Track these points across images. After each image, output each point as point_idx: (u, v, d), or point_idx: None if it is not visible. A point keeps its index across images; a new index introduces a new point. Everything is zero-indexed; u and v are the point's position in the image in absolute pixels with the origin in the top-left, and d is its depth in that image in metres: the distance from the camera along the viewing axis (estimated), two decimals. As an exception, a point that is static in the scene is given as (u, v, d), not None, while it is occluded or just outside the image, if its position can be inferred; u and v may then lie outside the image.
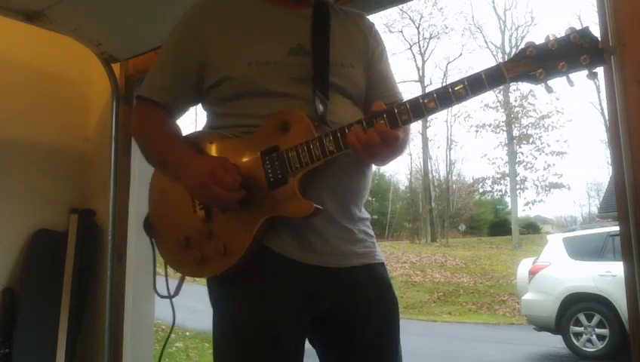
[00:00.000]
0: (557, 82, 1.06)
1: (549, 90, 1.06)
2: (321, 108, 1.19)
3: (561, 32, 1.03)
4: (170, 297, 1.39)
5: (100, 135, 2.99)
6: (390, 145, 1.11)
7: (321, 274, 1.21)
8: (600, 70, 1.04)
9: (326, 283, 1.22)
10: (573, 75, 1.03)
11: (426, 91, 1.12)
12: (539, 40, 1.05)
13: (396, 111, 1.10)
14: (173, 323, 1.48)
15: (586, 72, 1.02)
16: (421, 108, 1.09)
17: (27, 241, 2.83)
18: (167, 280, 1.35)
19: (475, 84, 1.06)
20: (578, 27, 1.01)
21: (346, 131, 1.13)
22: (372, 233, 1.34)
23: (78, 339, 2.83)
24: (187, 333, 7.71)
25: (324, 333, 1.27)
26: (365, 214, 1.33)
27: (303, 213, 1.15)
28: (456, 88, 1.07)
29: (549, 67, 1.02)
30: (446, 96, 1.08)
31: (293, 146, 1.15)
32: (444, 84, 1.10)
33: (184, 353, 6.98)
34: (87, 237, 2.94)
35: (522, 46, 1.06)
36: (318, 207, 1.14)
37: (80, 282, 2.86)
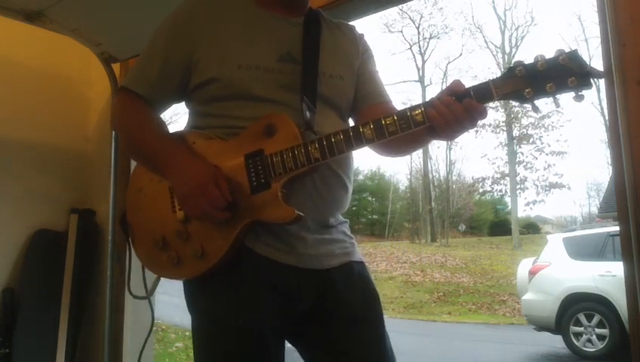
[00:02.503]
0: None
1: (536, 110, 1.07)
2: (308, 115, 1.19)
3: (551, 53, 1.03)
4: (147, 297, 1.40)
5: (100, 135, 2.99)
6: (475, 119, 1.08)
7: (302, 275, 1.21)
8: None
9: (307, 285, 1.22)
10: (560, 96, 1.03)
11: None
12: (530, 56, 1.05)
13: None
14: (152, 321, 1.49)
15: (573, 93, 1.02)
16: (409, 120, 1.09)
17: (27, 241, 2.83)
18: (144, 279, 1.36)
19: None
20: (567, 49, 1.02)
21: (332, 140, 1.12)
22: (350, 234, 1.35)
23: (78, 339, 2.83)
24: (187, 333, 7.70)
25: (306, 333, 1.27)
26: (342, 219, 1.34)
27: (284, 218, 1.14)
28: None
29: (537, 87, 1.03)
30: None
31: (278, 151, 1.15)
32: (430, 98, 1.11)
33: (184, 353, 6.95)
34: (87, 237, 2.94)
35: (512, 64, 1.07)
36: (300, 213, 1.13)
37: (80, 282, 2.86)
